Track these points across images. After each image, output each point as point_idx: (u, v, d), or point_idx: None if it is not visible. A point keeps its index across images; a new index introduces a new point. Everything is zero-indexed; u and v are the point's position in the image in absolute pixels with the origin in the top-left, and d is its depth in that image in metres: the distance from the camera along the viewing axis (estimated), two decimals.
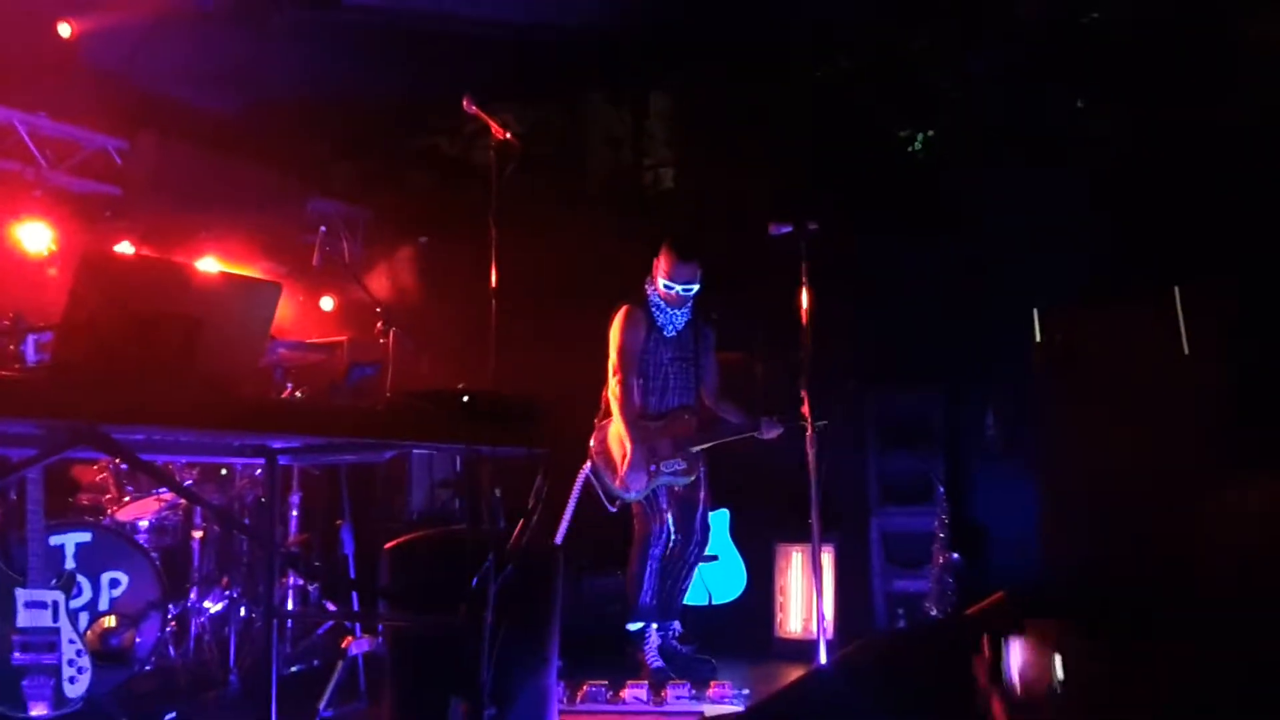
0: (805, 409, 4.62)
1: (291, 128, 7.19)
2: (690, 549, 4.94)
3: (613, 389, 4.84)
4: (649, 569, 4.83)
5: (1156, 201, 5.42)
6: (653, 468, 4.80)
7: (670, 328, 4.95)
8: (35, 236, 5.62)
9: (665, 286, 4.83)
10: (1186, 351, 4.93)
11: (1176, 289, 4.96)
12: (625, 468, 4.73)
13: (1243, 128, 5.32)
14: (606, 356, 4.91)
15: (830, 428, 4.71)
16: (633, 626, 4.85)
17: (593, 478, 4.89)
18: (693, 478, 4.91)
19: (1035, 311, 5.28)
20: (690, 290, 4.85)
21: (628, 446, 4.74)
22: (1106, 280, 5.43)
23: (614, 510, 4.88)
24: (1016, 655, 1.27)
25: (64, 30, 6.07)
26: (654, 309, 4.93)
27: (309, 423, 2.46)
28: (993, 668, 1.29)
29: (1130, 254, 5.43)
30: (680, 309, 4.92)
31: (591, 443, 4.91)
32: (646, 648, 4.80)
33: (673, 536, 4.88)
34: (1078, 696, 1.28)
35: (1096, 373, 5.10)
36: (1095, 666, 1.29)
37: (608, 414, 4.90)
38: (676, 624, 5.00)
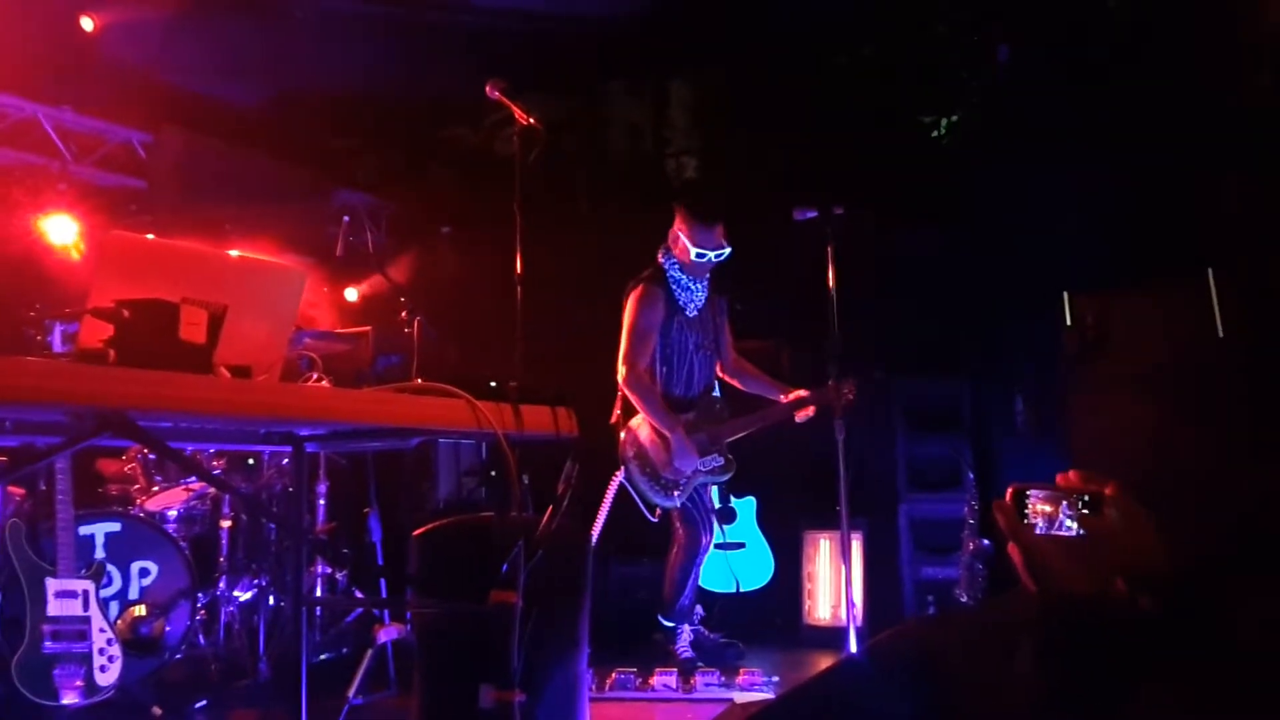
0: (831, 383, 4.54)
1: (314, 121, 7.22)
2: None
3: (622, 376, 4.61)
4: (694, 574, 4.73)
5: (1187, 184, 5.35)
6: (697, 462, 4.62)
7: (692, 306, 4.73)
8: (61, 229, 5.65)
9: (698, 256, 4.60)
10: (1220, 334, 4.87)
11: (1210, 271, 4.89)
12: (673, 457, 4.54)
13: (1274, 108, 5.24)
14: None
15: (858, 415, 4.67)
16: (667, 623, 4.80)
17: (628, 485, 4.65)
18: (731, 473, 4.75)
19: (1066, 295, 5.22)
20: (721, 255, 4.64)
21: (667, 435, 4.54)
22: (1137, 263, 5.37)
23: (655, 519, 4.67)
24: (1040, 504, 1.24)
25: (87, 24, 6.09)
26: (673, 285, 4.71)
27: (336, 408, 2.44)
28: (1014, 515, 1.25)
29: (1161, 237, 5.36)
30: (701, 281, 4.72)
31: (624, 447, 4.68)
32: (679, 642, 4.75)
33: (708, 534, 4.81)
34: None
35: (1128, 356, 5.04)
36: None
37: (633, 412, 4.69)
38: (699, 608, 4.96)
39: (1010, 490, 1.25)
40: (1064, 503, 1.22)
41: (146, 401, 2.03)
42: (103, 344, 2.12)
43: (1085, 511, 1.21)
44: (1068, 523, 1.21)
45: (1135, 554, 1.17)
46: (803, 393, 4.76)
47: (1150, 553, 1.17)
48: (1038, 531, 1.22)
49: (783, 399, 4.81)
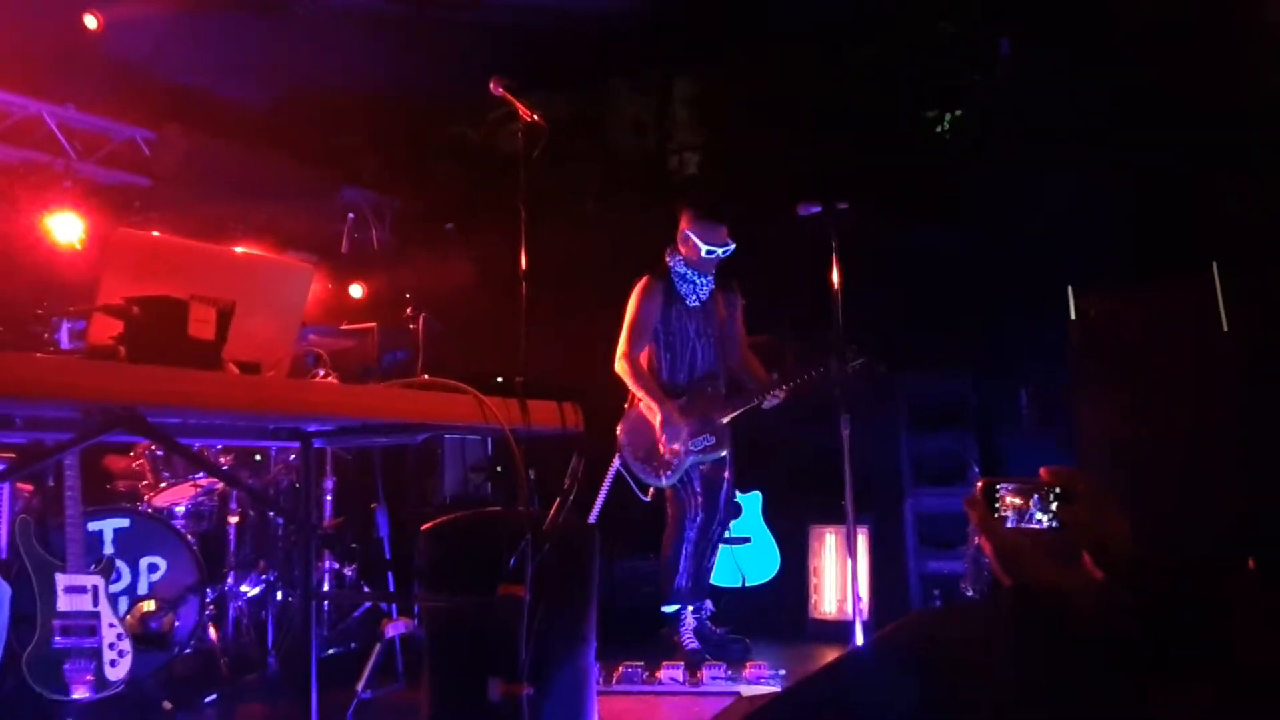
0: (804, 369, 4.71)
1: (318, 118, 7.23)
2: (714, 527, 4.92)
3: (619, 365, 4.81)
4: (684, 552, 4.81)
5: (1192, 180, 5.34)
6: (685, 439, 4.73)
7: (694, 297, 4.90)
8: (66, 227, 5.67)
9: (708, 253, 4.77)
10: (1225, 328, 4.86)
11: (1215, 265, 4.88)
12: (661, 433, 4.68)
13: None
14: None
15: (862, 409, 4.68)
16: (669, 609, 4.84)
17: (623, 470, 4.85)
18: (723, 453, 4.84)
19: (1070, 289, 5.22)
20: (727, 251, 4.81)
21: (655, 410, 4.70)
22: (1142, 258, 5.36)
23: (647, 499, 4.86)
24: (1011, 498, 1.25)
25: (90, 22, 6.09)
26: (676, 279, 4.88)
27: (343, 404, 2.46)
28: (985, 509, 1.26)
29: (1166, 232, 5.36)
30: (706, 275, 4.87)
31: (618, 433, 4.87)
32: (682, 629, 4.80)
33: (699, 515, 4.86)
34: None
35: (1132, 350, 5.04)
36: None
37: (635, 401, 4.87)
38: (708, 603, 4.99)
39: (980, 484, 1.26)
40: (1035, 496, 1.23)
41: (157, 397, 2.04)
42: (113, 340, 2.14)
43: (1056, 505, 1.22)
44: (1038, 515, 1.22)
45: (1106, 543, 1.18)
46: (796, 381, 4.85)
47: (1121, 542, 1.18)
48: (1009, 525, 1.23)
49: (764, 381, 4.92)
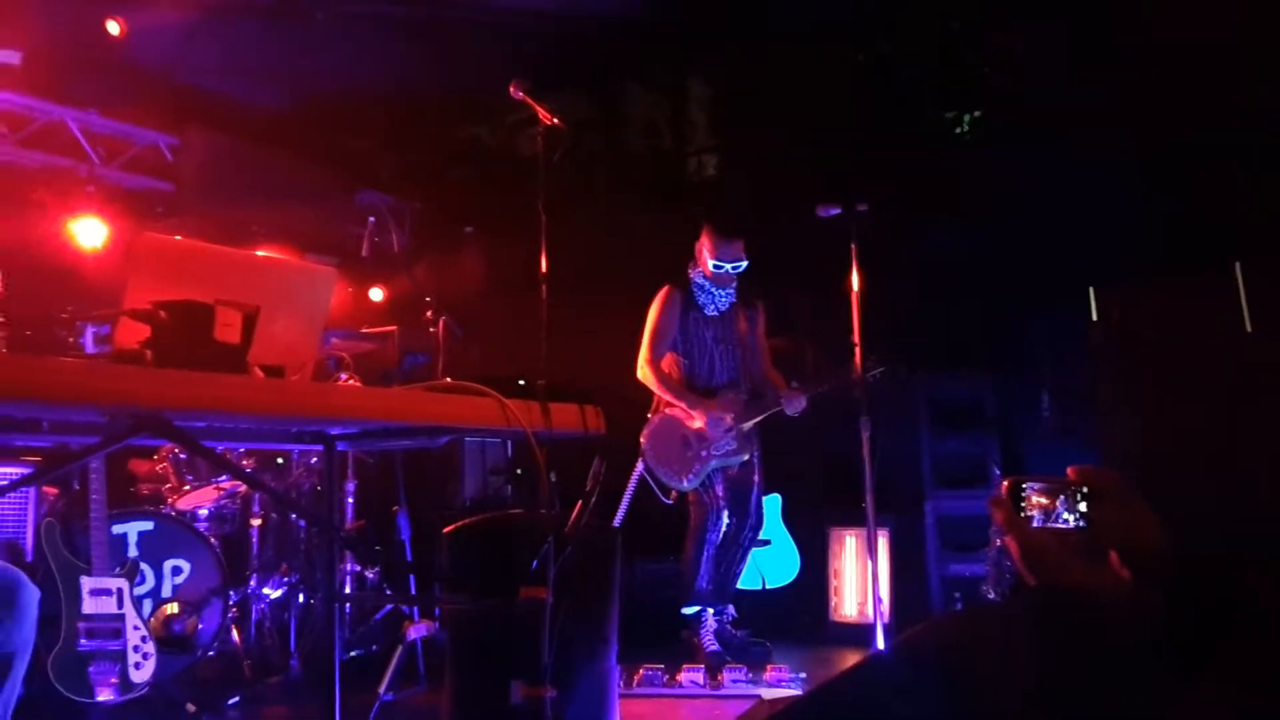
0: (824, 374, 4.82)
1: (337, 122, 7.25)
2: (744, 532, 4.93)
3: (642, 371, 4.89)
4: (705, 554, 4.83)
5: (1213, 177, 5.31)
6: (704, 453, 4.78)
7: (712, 307, 4.95)
8: (89, 232, 5.72)
9: (715, 267, 4.83)
10: (1248, 328, 4.83)
11: (1237, 264, 4.86)
12: (706, 427, 4.76)
13: None
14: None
15: (882, 411, 4.68)
16: (689, 611, 4.85)
17: (646, 475, 4.90)
18: (745, 457, 4.88)
19: (1091, 290, 5.19)
20: (739, 268, 4.86)
21: (687, 411, 4.79)
22: (1163, 258, 5.33)
23: (670, 502, 4.90)
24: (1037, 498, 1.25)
25: (113, 28, 6.13)
26: (696, 289, 4.96)
27: (367, 407, 2.47)
28: (1011, 508, 1.25)
29: (1187, 231, 5.32)
30: (725, 289, 4.92)
31: (642, 439, 4.91)
32: (703, 632, 4.81)
33: (726, 520, 4.86)
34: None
35: (1154, 351, 5.01)
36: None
37: (659, 408, 4.93)
38: (731, 608, 5.00)
39: (1006, 483, 1.25)
40: (1062, 495, 1.22)
41: (184, 401, 2.05)
42: (139, 345, 2.15)
43: (1083, 505, 1.21)
44: (1065, 514, 1.22)
45: (1134, 542, 1.17)
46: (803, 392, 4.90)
47: (1150, 541, 1.17)
48: (1035, 524, 1.23)
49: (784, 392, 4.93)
